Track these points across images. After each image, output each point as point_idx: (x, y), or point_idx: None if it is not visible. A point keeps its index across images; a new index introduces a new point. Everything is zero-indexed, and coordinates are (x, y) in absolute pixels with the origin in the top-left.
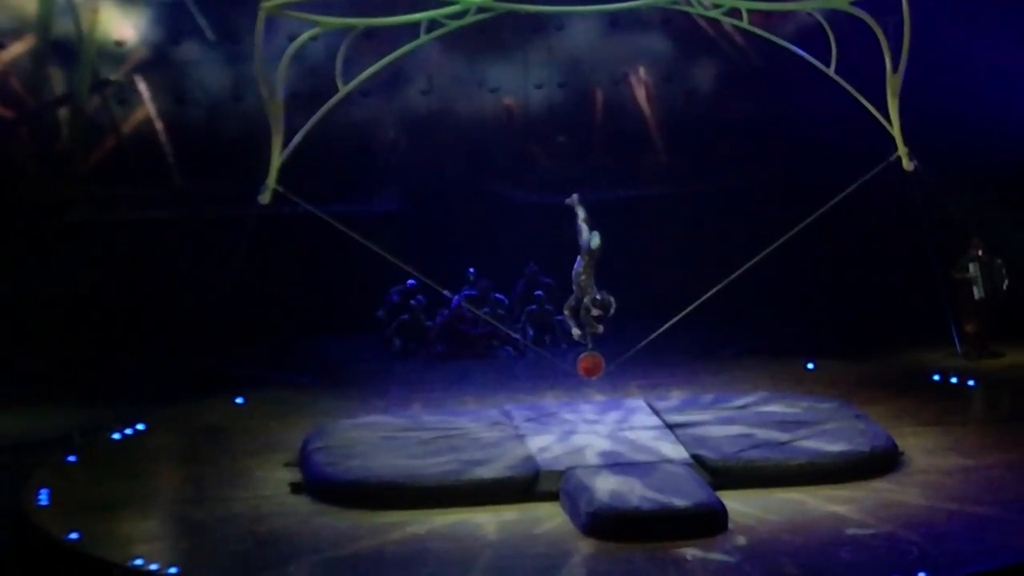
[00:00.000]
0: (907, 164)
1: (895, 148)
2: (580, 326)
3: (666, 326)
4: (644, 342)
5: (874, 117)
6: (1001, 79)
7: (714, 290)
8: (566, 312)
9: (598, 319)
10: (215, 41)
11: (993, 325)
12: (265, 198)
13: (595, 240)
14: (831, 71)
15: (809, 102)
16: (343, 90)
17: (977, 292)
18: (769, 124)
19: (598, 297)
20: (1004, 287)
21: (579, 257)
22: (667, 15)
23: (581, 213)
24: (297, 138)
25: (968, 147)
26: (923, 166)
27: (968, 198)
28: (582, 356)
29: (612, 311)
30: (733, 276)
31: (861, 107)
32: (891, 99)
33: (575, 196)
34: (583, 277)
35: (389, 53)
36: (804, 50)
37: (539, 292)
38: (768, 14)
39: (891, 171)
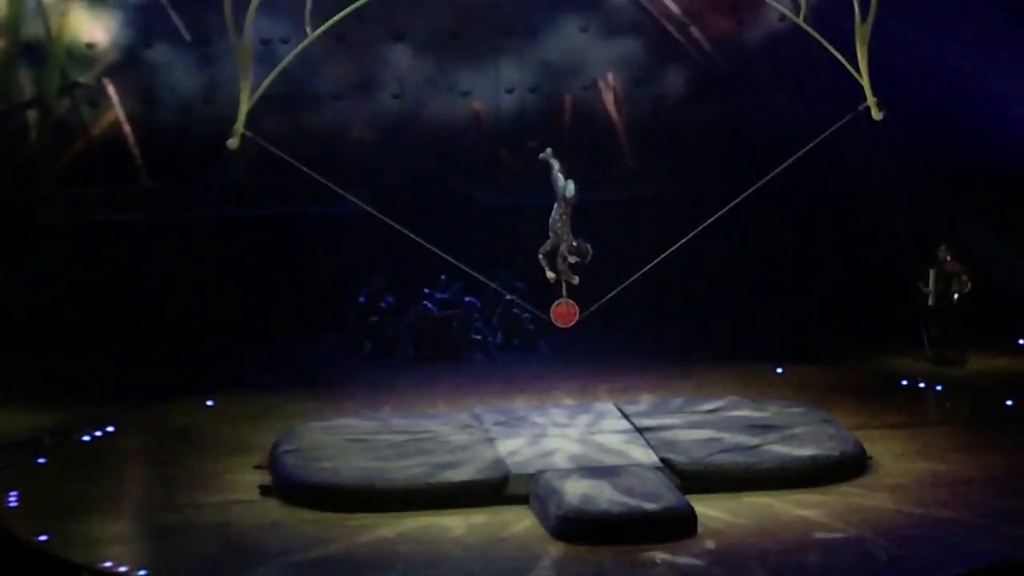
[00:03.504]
0: (876, 113)
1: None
2: (554, 271)
3: (632, 279)
4: (613, 292)
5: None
6: (974, 87)
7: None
8: (540, 256)
9: (575, 267)
10: (191, 41)
11: (955, 332)
12: (234, 143)
13: (570, 188)
14: (800, 19)
15: (776, 107)
16: (311, 36)
17: (930, 299)
18: (736, 129)
19: (574, 244)
20: (954, 297)
21: (555, 205)
22: (637, 21)
23: (556, 164)
24: (265, 83)
25: (942, 151)
26: (897, 170)
27: (938, 202)
28: (556, 303)
29: (589, 258)
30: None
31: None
32: (860, 49)
33: (549, 150)
34: (559, 225)
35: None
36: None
37: (510, 296)
38: (739, 18)
39: (862, 176)
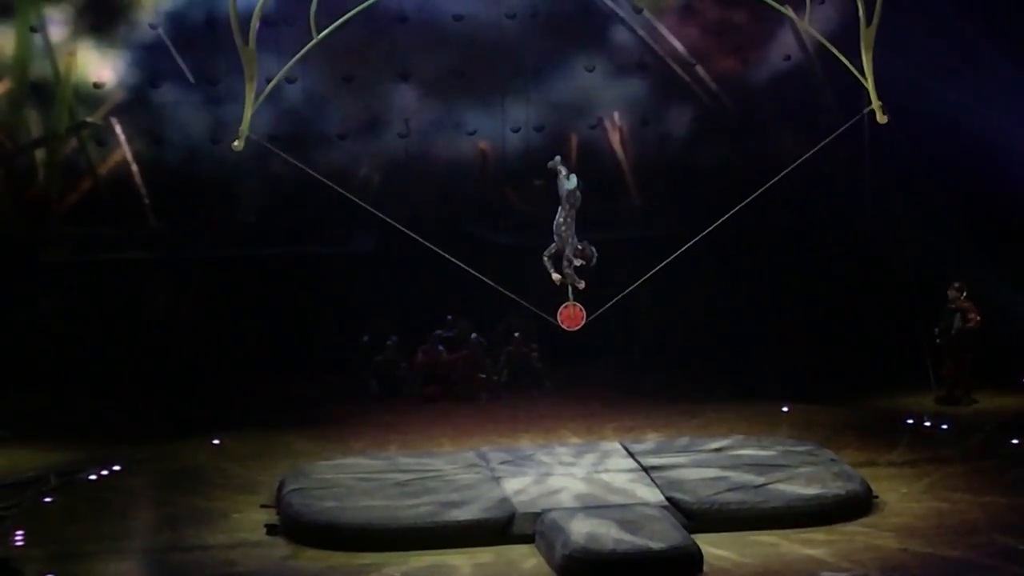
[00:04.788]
0: (881, 117)
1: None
2: (560, 273)
3: (638, 283)
4: (618, 297)
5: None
6: (983, 129)
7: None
8: (545, 259)
9: (580, 269)
10: (197, 82)
11: (965, 370)
12: (238, 145)
13: (572, 181)
14: (804, 22)
15: (782, 146)
16: (316, 38)
17: (940, 337)
18: (742, 168)
19: (579, 247)
20: (952, 332)
21: (559, 208)
22: (642, 60)
23: (563, 171)
24: (271, 85)
25: (949, 189)
26: (904, 208)
27: (945, 239)
28: (563, 306)
29: (594, 261)
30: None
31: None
32: (865, 52)
33: (558, 158)
34: (563, 228)
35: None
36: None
37: (516, 333)
38: (745, 58)
39: (869, 214)
